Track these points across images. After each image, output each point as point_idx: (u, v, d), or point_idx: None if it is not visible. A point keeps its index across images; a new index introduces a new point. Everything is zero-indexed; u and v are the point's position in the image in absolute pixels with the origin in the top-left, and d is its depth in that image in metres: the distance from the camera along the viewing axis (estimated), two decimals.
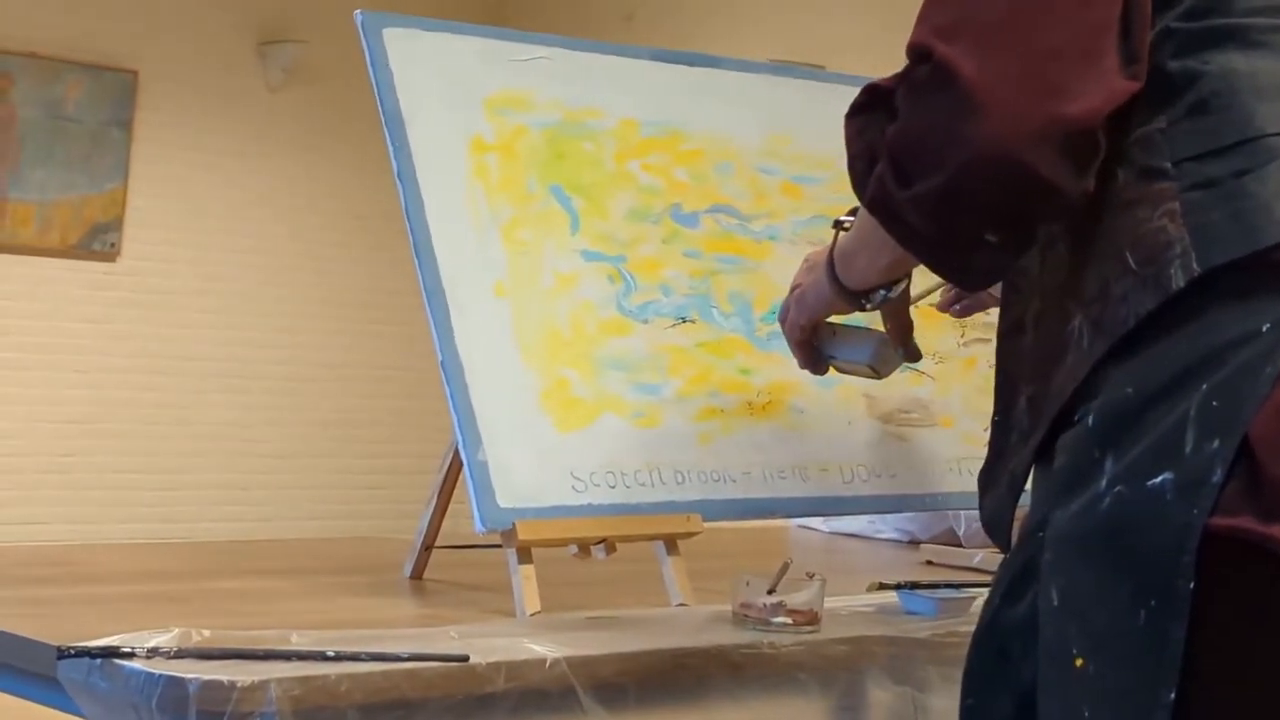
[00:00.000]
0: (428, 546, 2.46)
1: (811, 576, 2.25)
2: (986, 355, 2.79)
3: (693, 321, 2.51)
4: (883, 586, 2.47)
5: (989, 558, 2.96)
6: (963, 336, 2.81)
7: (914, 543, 3.23)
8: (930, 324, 2.77)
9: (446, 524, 2.49)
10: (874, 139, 1.52)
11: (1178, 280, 1.35)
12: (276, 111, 8.46)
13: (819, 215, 2.74)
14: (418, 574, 2.48)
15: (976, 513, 3.15)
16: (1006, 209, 1.40)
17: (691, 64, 2.73)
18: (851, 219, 1.77)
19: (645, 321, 2.46)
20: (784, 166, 2.74)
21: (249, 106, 8.36)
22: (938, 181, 1.39)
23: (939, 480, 2.67)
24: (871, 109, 1.58)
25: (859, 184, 1.56)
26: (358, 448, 8.40)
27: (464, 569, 2.54)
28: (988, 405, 2.79)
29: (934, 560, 3.02)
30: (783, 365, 2.56)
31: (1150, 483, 1.32)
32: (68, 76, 7.81)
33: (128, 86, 7.99)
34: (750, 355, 2.55)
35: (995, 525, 1.61)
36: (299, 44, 8.29)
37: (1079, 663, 1.34)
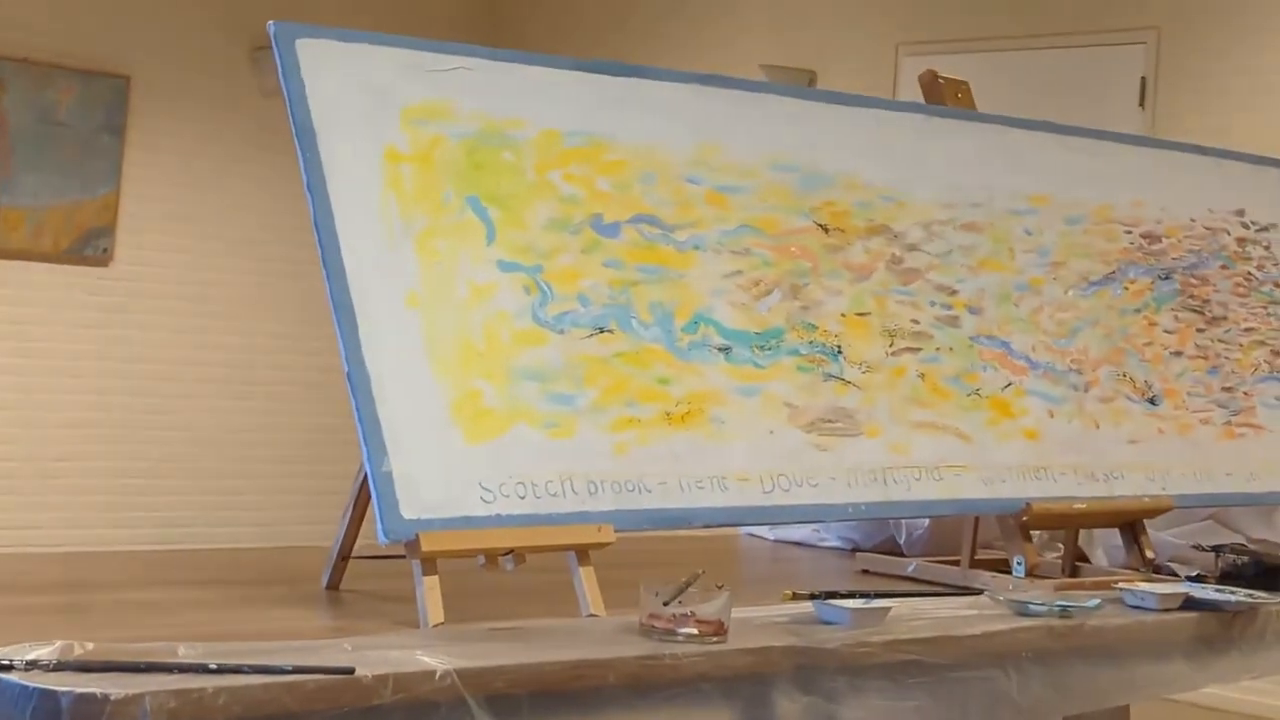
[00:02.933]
0: (344, 557, 2.47)
1: (720, 587, 2.25)
2: (915, 364, 2.80)
3: (611, 331, 2.51)
4: (796, 596, 2.46)
5: (923, 566, 2.96)
6: (891, 346, 2.81)
7: (856, 550, 3.23)
8: (859, 334, 2.78)
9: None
10: None
11: None
12: (269, 117, 8.46)
13: (745, 225, 2.74)
14: (334, 585, 2.48)
15: (917, 521, 3.15)
16: None
17: (618, 74, 2.73)
18: None
19: (562, 332, 2.46)
20: (711, 176, 2.74)
21: (242, 112, 8.38)
22: None
23: (863, 490, 2.67)
24: None
25: None
26: (358, 452, 8.40)
27: (383, 579, 2.54)
28: (916, 414, 2.80)
29: (869, 569, 3.02)
30: (703, 375, 2.57)
31: None
32: (60, 82, 7.83)
33: (120, 92, 8.01)
34: (670, 365, 2.55)
35: None
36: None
37: None
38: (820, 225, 2.83)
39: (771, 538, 3.39)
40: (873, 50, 8.43)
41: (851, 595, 2.48)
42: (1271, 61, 7.19)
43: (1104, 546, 3.17)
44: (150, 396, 8.16)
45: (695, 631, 2.20)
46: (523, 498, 2.31)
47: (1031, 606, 2.57)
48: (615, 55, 9.10)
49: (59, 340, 7.95)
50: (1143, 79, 7.73)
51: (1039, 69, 8.09)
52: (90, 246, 7.96)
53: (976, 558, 3.00)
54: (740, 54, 8.74)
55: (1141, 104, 7.73)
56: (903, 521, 3.24)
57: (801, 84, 8.61)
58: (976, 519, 2.94)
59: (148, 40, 8.14)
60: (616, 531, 2.37)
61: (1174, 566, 3.17)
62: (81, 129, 7.92)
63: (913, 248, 2.93)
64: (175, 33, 8.24)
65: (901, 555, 3.14)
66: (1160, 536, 3.26)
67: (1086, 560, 3.17)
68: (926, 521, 3.22)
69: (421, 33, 8.07)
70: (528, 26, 9.72)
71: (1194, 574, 3.01)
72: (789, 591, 2.48)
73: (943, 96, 3.22)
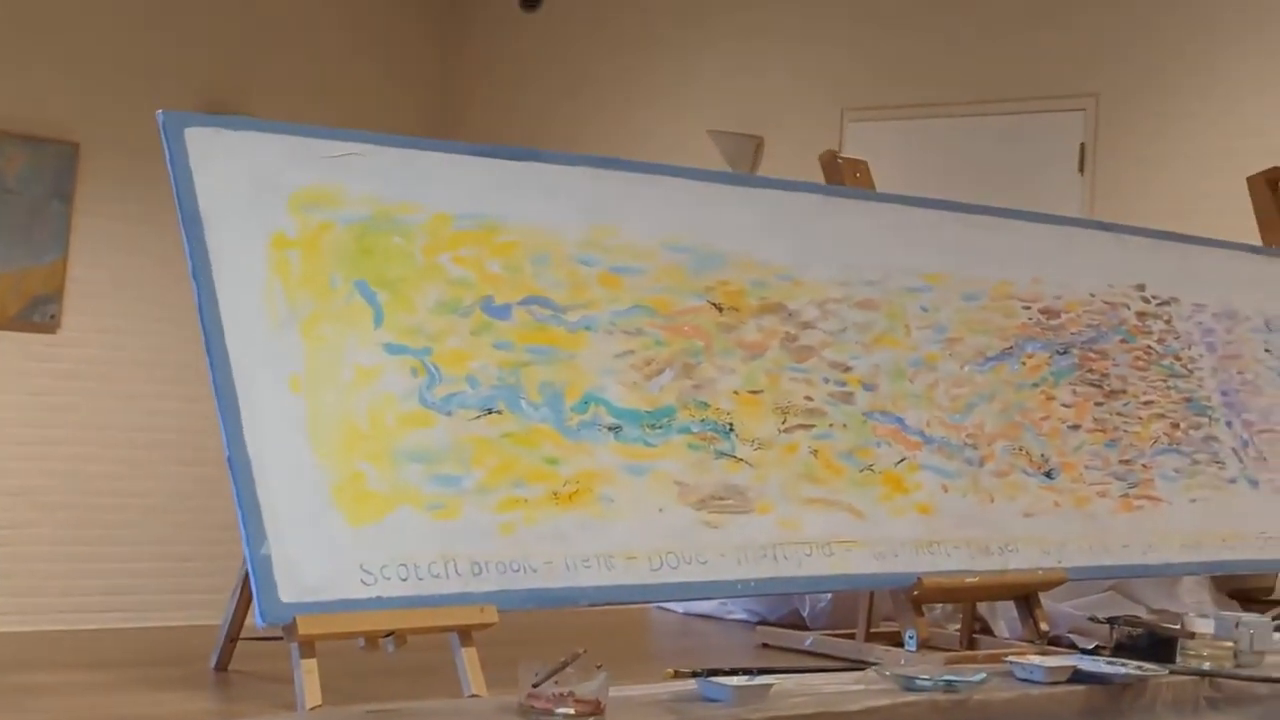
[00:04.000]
0: (232, 638, 2.49)
1: (599, 667, 2.28)
2: (808, 441, 2.84)
3: (500, 412, 2.55)
4: (678, 674, 2.49)
5: (820, 640, 2.99)
6: (784, 423, 2.86)
7: (762, 623, 3.26)
8: (752, 412, 2.82)
9: None
10: None
11: None
12: None
13: (638, 305, 2.79)
14: (223, 666, 2.51)
15: (821, 596, 3.19)
16: None
17: (513, 158, 2.78)
18: None
19: (449, 413, 2.50)
20: (605, 257, 2.78)
21: None
22: None
23: (753, 567, 2.70)
24: None
25: None
26: None
27: (272, 660, 2.56)
28: (808, 491, 2.85)
29: (769, 642, 3.05)
30: (592, 455, 2.61)
31: None
32: (8, 149, 7.86)
33: (69, 159, 8.04)
34: (559, 445, 2.59)
35: None
36: (242, 116, 8.35)
37: None
38: (714, 304, 2.88)
39: (680, 610, 3.42)
40: (819, 116, 8.51)
41: (734, 672, 2.50)
42: (1206, 127, 7.29)
43: (1004, 618, 3.21)
44: (98, 463, 8.15)
45: (573, 711, 2.22)
46: (404, 579, 2.34)
47: (918, 681, 2.60)
48: (564, 134, 9.19)
49: (6, 407, 7.95)
50: (1082, 145, 7.83)
51: (981, 135, 8.18)
52: (38, 313, 7.97)
53: (877, 630, 3.03)
54: (689, 122, 8.82)
55: (1081, 170, 7.82)
56: (806, 595, 3.28)
57: (749, 150, 8.69)
58: (871, 593, 2.98)
59: (97, 107, 8.18)
60: (501, 612, 2.40)
61: (1073, 638, 3.21)
62: (30, 196, 7.94)
63: (807, 325, 2.98)
64: (124, 100, 8.27)
65: (805, 627, 3.18)
66: (1060, 608, 3.30)
67: (988, 631, 3.21)
68: (829, 595, 3.25)
69: (374, 124, 8.13)
70: (475, 114, 9.81)
71: (1091, 646, 3.05)
72: (671, 670, 2.51)
73: (842, 176, 3.27)
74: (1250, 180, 4.12)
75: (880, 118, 8.47)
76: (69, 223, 8.11)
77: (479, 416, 2.52)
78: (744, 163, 8.64)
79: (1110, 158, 7.70)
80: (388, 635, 2.30)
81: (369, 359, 2.46)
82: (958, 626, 3.17)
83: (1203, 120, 7.30)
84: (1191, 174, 7.11)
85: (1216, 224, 4.27)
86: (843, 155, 3.29)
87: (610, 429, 2.65)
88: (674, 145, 8.83)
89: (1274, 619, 3.24)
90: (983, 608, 3.30)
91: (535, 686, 2.18)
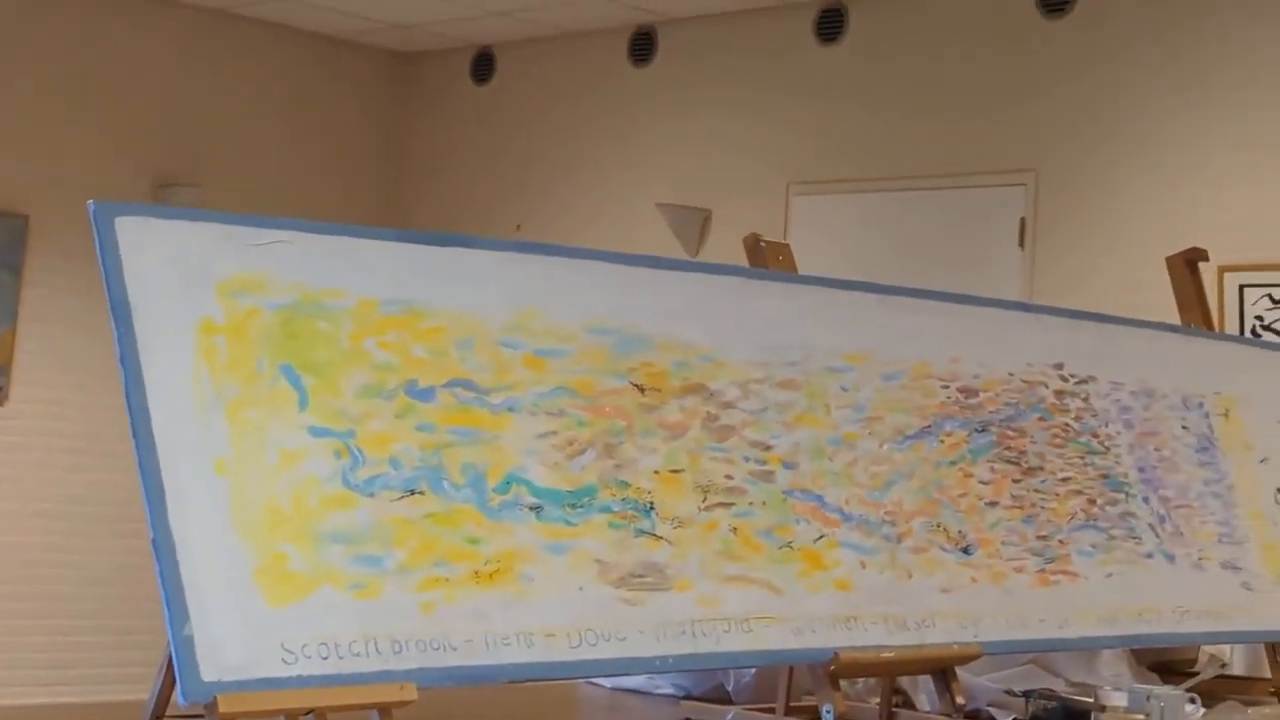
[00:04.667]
0: (157, 716, 2.54)
1: None
2: (727, 519, 2.91)
3: (422, 493, 2.61)
4: None
5: (741, 715, 3.05)
6: (704, 501, 2.92)
7: (688, 697, 3.32)
8: (672, 490, 2.89)
9: None
10: None
11: None
12: None
13: (561, 386, 2.86)
14: None
15: (745, 670, 3.25)
16: None
17: (438, 244, 2.85)
18: None
19: (372, 495, 2.56)
20: (529, 340, 2.85)
21: None
22: None
23: (672, 643, 2.76)
24: None
25: None
26: None
27: None
28: (727, 568, 2.91)
29: (692, 717, 3.11)
30: (513, 534, 2.68)
31: None
32: None
33: (18, 231, 8.09)
34: (480, 525, 2.65)
35: None
36: (194, 188, 8.42)
37: None
38: (636, 385, 2.95)
39: (609, 685, 3.48)
40: (765, 190, 8.64)
41: None
42: (1145, 203, 7.43)
43: (925, 691, 3.27)
44: (43, 535, 8.16)
45: None
46: (325, 658, 2.40)
47: None
48: (513, 218, 9.32)
49: None
50: (1022, 220, 7.96)
51: (925, 209, 8.31)
52: None
53: (798, 704, 3.09)
54: (637, 199, 8.93)
55: (1021, 244, 7.95)
56: (730, 670, 3.34)
57: (697, 223, 8.81)
58: (791, 668, 3.04)
59: (48, 179, 8.24)
60: (421, 689, 2.45)
61: (992, 711, 3.28)
62: None
63: (728, 405, 3.05)
64: (74, 172, 8.33)
65: (730, 702, 3.24)
66: (979, 681, 3.37)
67: (910, 705, 3.27)
68: (753, 670, 3.32)
69: (326, 212, 8.18)
70: (425, 203, 9.92)
71: (1009, 719, 3.12)
72: None
73: (765, 259, 3.36)
74: (1170, 260, 4.23)
75: (825, 191, 8.60)
76: (17, 295, 8.16)
77: (401, 498, 2.58)
78: (691, 235, 8.76)
79: (1050, 232, 7.84)
80: (307, 713, 2.36)
81: (293, 442, 2.52)
82: (878, 700, 3.23)
83: (1139, 197, 7.44)
84: (1129, 249, 7.25)
85: (1153, 300, 4.37)
86: (765, 239, 3.38)
87: (532, 508, 2.72)
88: (623, 223, 8.95)
89: (1187, 691, 3.32)
90: (905, 681, 3.37)
91: None
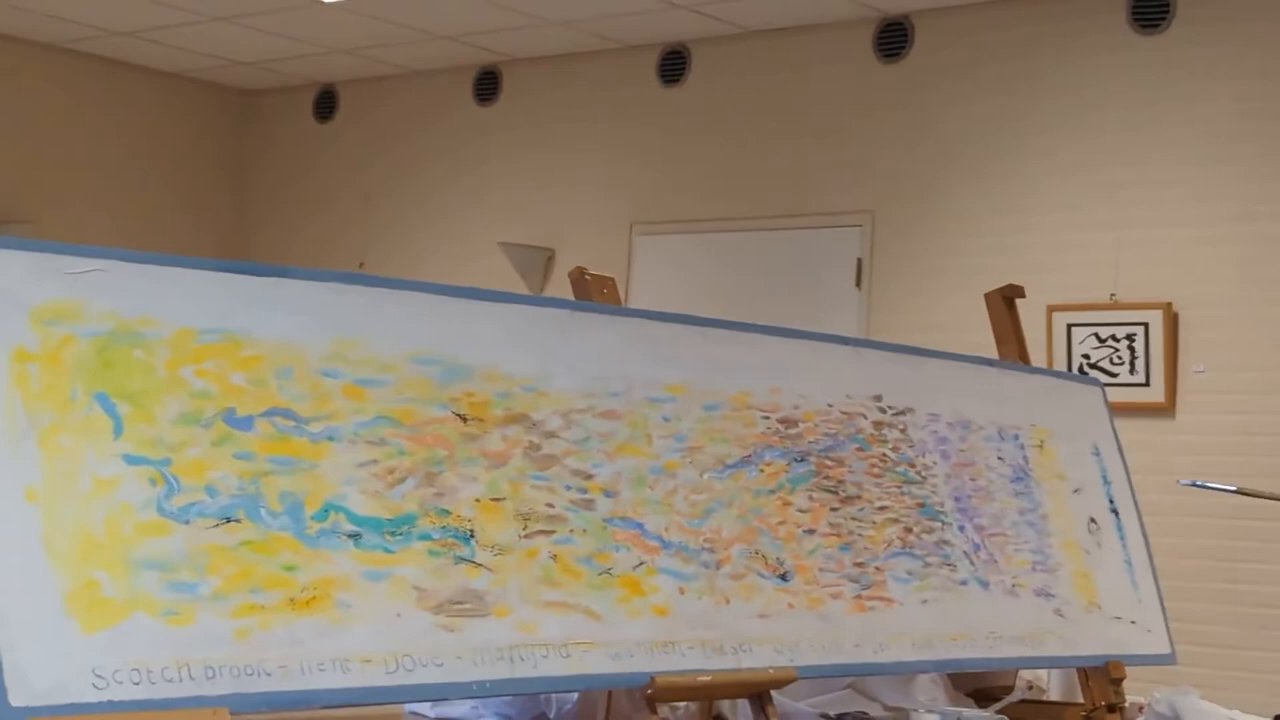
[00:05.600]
0: None
1: None
2: (548, 546, 2.96)
3: (239, 521, 2.63)
4: None
5: None
6: (525, 529, 2.97)
7: None
8: (492, 518, 2.93)
9: None
10: None
11: None
12: None
13: (382, 416, 2.89)
14: None
15: (567, 696, 3.29)
16: None
17: (258, 274, 2.86)
18: None
19: (187, 522, 2.57)
20: (349, 370, 2.88)
21: None
22: None
23: (489, 668, 2.80)
24: None
25: None
26: None
27: None
28: (546, 594, 2.95)
29: None
30: (331, 561, 2.70)
31: None
32: None
33: None
34: (297, 553, 2.67)
35: None
36: (24, 224, 8.33)
37: None
38: (459, 415, 2.99)
39: (433, 715, 3.50)
40: (608, 230, 8.73)
41: None
42: (976, 243, 7.62)
43: (744, 716, 3.34)
44: None
45: None
46: (137, 684, 2.40)
47: None
48: (354, 253, 9.32)
49: None
50: (859, 260, 8.12)
51: (764, 249, 8.45)
52: None
53: None
54: (481, 237, 8.98)
55: (858, 284, 8.11)
56: (553, 697, 3.38)
57: (540, 261, 8.87)
58: (610, 693, 3.09)
59: None
60: (234, 715, 2.47)
61: None
62: None
63: (551, 435, 3.10)
64: None
65: None
66: (798, 706, 3.44)
67: None
68: (575, 696, 3.36)
69: (170, 246, 8.09)
70: (265, 237, 9.91)
71: None
72: None
73: (589, 292, 3.42)
74: (988, 296, 4.36)
75: (668, 230, 8.71)
76: None
77: (217, 525, 2.60)
78: (535, 274, 8.82)
79: (885, 272, 8.01)
80: None
81: (107, 470, 2.52)
82: None
83: (972, 240, 7.63)
84: (962, 291, 7.42)
85: (986, 339, 4.48)
86: (591, 272, 3.44)
87: (350, 536, 2.74)
88: (466, 261, 9.00)
89: (996, 714, 3.42)
90: (725, 708, 3.43)
91: None
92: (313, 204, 9.76)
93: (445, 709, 3.51)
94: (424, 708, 3.55)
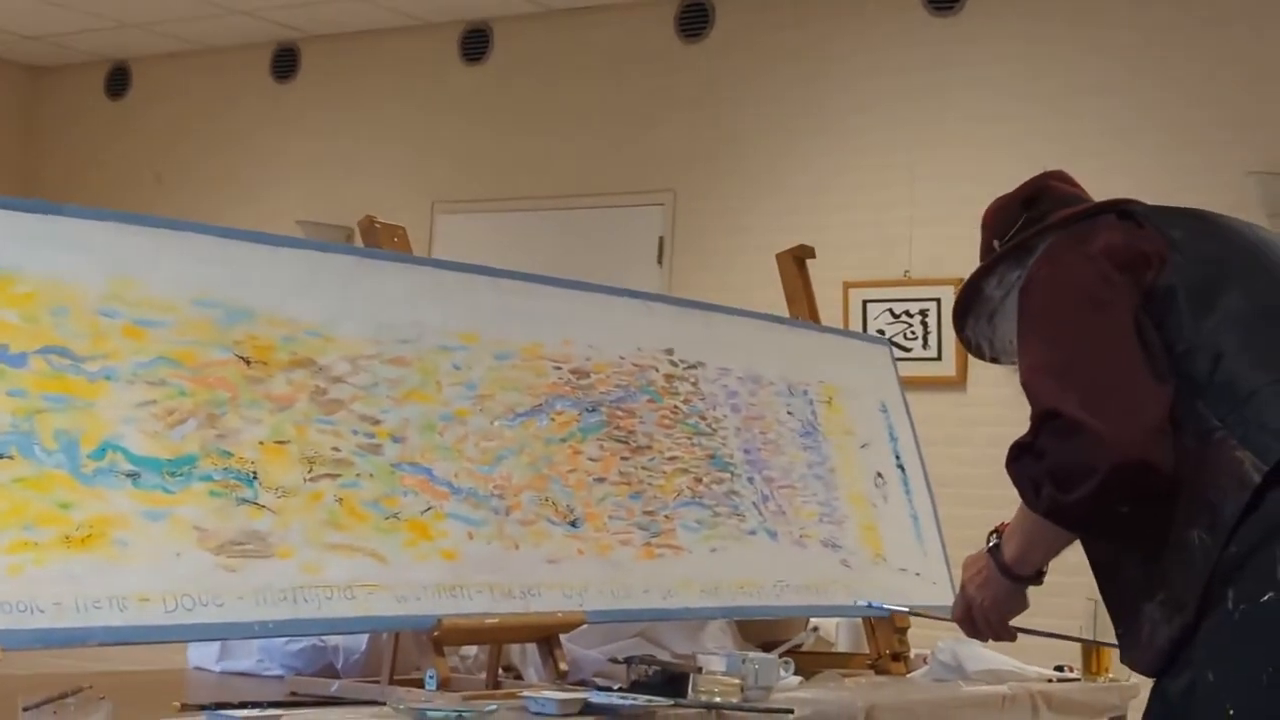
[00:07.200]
0: None
1: (103, 699, 2.32)
2: (333, 489, 2.94)
3: (11, 458, 2.57)
4: (186, 708, 2.54)
5: (346, 686, 3.08)
6: (310, 472, 2.94)
7: (300, 674, 3.31)
8: (276, 461, 2.90)
9: None
10: (1034, 473, 2.28)
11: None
12: None
13: (162, 357, 2.84)
14: None
15: (354, 645, 3.26)
16: (1133, 491, 2.20)
17: (33, 211, 2.80)
18: (997, 538, 2.53)
19: None
20: (128, 310, 2.83)
21: None
22: (1091, 485, 2.19)
23: (272, 609, 2.77)
24: (1021, 456, 2.31)
25: (1032, 504, 2.33)
26: None
27: None
28: (331, 537, 2.92)
29: (296, 690, 3.11)
30: (107, 500, 2.65)
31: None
32: None
33: None
34: (73, 490, 2.62)
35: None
36: None
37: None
38: (242, 358, 2.95)
39: (218, 669, 3.45)
40: (409, 208, 8.66)
41: (244, 705, 2.57)
42: (773, 221, 7.71)
43: (534, 664, 3.34)
44: None
45: None
46: None
47: (429, 713, 2.71)
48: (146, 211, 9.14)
49: None
50: (661, 239, 8.18)
51: (566, 227, 8.47)
52: None
53: (406, 677, 3.12)
54: (279, 214, 8.86)
55: (660, 261, 8.17)
56: (339, 646, 3.36)
57: (340, 239, 8.78)
58: (396, 638, 3.08)
59: None
60: (6, 651, 2.41)
61: (598, 680, 3.37)
62: None
63: (338, 380, 3.07)
64: None
65: (338, 678, 3.25)
66: (587, 653, 3.46)
67: (520, 678, 3.34)
68: (363, 646, 3.34)
69: None
70: (66, 179, 9.65)
71: (613, 686, 3.20)
72: (178, 703, 2.56)
73: (379, 240, 3.40)
74: (779, 257, 4.42)
75: (469, 210, 8.69)
76: None
77: None
78: None
79: (686, 250, 8.09)
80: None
81: None
82: (484, 672, 3.28)
83: (771, 218, 7.73)
84: (762, 268, 7.51)
85: (777, 295, 4.53)
86: (380, 221, 3.42)
87: (128, 475, 2.69)
88: None
89: (780, 657, 3.47)
90: (515, 657, 3.43)
91: (26, 711, 2.21)
92: (104, 184, 9.54)
93: (230, 663, 3.46)
94: (209, 662, 3.50)
